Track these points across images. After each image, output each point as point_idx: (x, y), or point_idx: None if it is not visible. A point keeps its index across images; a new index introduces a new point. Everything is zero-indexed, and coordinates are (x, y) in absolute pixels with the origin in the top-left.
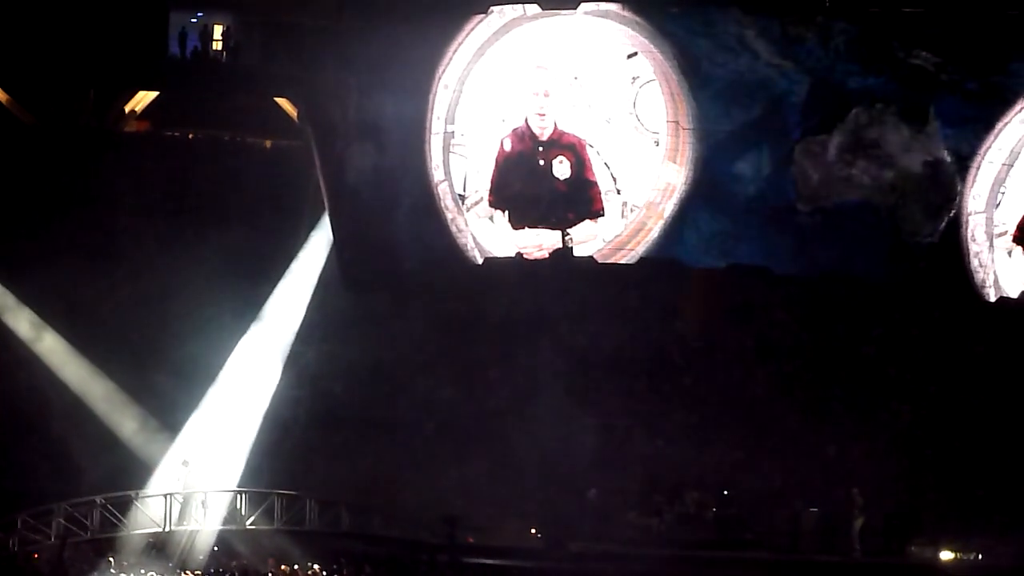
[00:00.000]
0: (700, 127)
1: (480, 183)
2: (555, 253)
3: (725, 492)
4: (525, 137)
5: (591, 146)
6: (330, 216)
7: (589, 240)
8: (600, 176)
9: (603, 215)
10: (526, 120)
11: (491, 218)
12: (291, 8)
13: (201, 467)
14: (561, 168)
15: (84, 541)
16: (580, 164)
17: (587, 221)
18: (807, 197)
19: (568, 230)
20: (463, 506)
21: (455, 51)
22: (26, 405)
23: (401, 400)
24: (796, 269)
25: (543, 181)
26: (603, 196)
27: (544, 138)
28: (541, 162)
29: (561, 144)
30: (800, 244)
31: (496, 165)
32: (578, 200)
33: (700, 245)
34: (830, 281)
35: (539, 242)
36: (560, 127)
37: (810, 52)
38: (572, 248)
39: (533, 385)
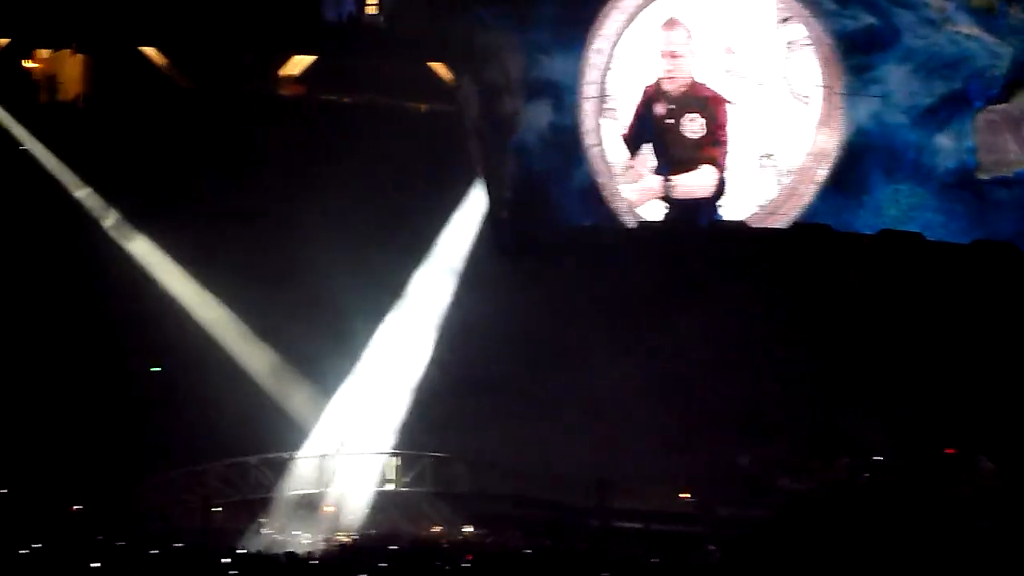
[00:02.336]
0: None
1: (633, 148)
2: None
3: (879, 458)
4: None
5: (741, 111)
6: (488, 178)
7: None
8: (745, 140)
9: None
10: (658, 80)
11: (644, 182)
12: None
13: (354, 430)
14: (692, 126)
15: (237, 501)
16: (713, 123)
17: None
18: (987, 166)
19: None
20: (613, 470)
21: (607, 15)
22: (185, 369)
23: (553, 366)
24: (971, 238)
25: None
26: (749, 160)
27: (675, 95)
28: (670, 120)
29: (695, 103)
30: (979, 214)
31: (631, 124)
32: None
33: (864, 211)
34: (987, 250)
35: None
36: (704, 91)
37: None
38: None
39: (684, 350)
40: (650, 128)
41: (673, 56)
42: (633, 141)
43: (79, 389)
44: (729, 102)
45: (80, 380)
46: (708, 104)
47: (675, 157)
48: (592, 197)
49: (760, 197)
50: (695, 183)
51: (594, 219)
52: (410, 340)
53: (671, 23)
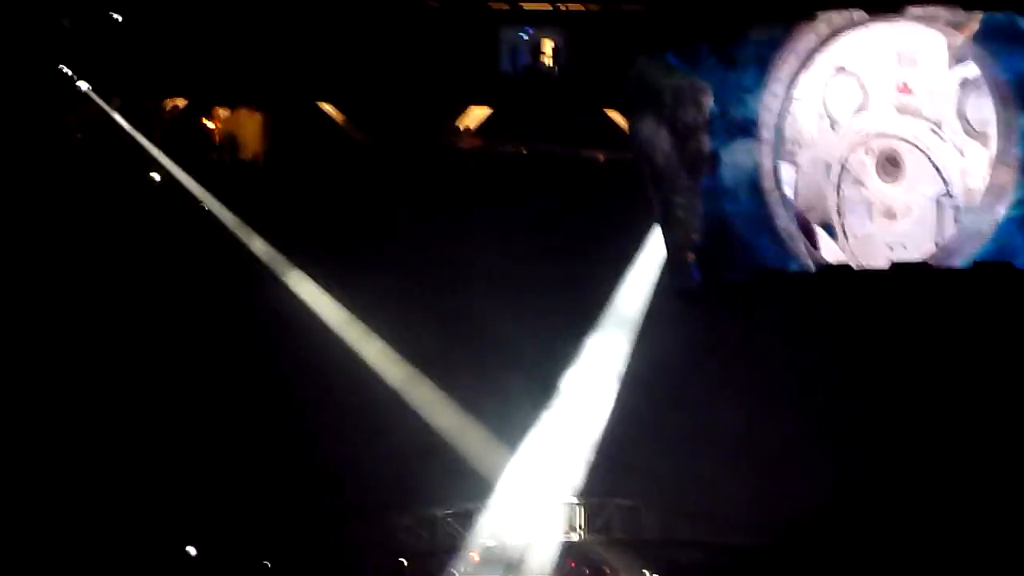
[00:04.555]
0: None
1: (810, 190)
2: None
3: None
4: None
5: (918, 151)
6: (673, 222)
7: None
8: (923, 179)
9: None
10: (833, 123)
11: (824, 225)
12: (622, 21)
13: (539, 479)
14: (868, 169)
15: (425, 553)
16: (891, 164)
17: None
18: None
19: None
20: (786, 512)
21: (784, 60)
22: (366, 420)
23: (731, 410)
24: None
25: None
26: (928, 199)
27: (852, 138)
28: (847, 163)
29: (872, 146)
30: None
31: (807, 168)
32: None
33: None
34: None
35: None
36: (880, 133)
37: None
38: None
39: (865, 393)
40: (826, 172)
41: (847, 99)
42: (810, 184)
43: (253, 442)
44: (907, 142)
45: (253, 432)
46: (885, 146)
47: (852, 199)
48: (785, 239)
49: (940, 236)
50: (874, 226)
51: (786, 262)
52: (592, 388)
53: (842, 70)
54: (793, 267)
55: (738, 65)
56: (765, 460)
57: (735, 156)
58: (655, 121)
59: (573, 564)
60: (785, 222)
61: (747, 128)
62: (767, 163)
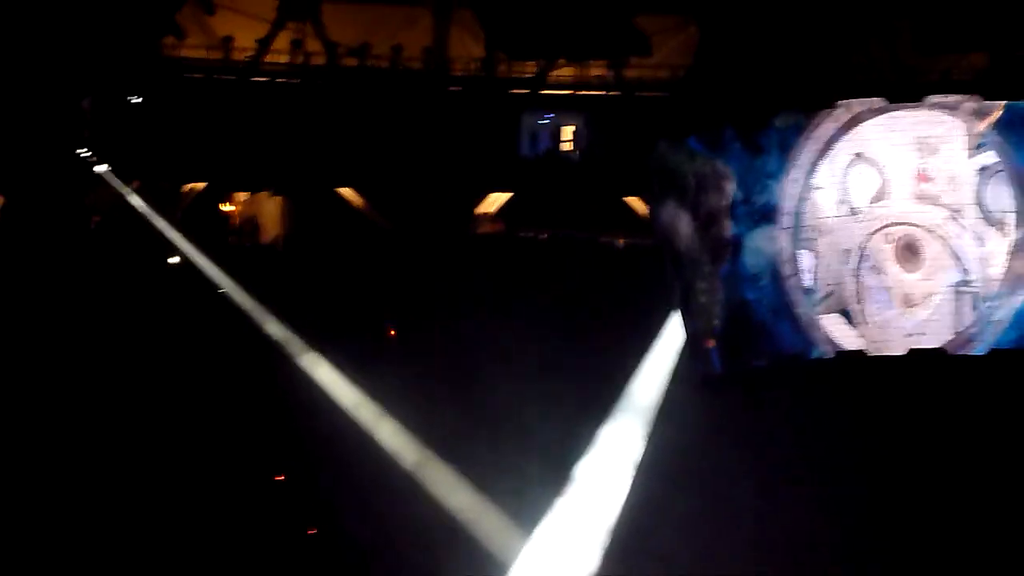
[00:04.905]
0: None
1: (829, 277)
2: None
3: None
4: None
5: (937, 239)
6: (693, 308)
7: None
8: (942, 267)
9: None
10: (852, 210)
11: (842, 312)
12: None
13: (555, 563)
14: (886, 256)
15: None
16: (910, 252)
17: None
18: None
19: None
20: None
21: (803, 147)
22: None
23: (748, 496)
24: None
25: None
26: (946, 287)
27: (877, 229)
28: (864, 251)
29: (896, 236)
30: None
31: (826, 254)
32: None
33: None
34: None
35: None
36: (899, 220)
37: None
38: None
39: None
40: (844, 259)
41: (866, 186)
42: (828, 271)
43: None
44: (925, 229)
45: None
46: (904, 233)
47: (871, 286)
48: (786, 327)
49: (958, 324)
50: (892, 313)
51: (807, 348)
52: (608, 473)
53: (860, 157)
54: (814, 354)
55: (763, 151)
56: (782, 547)
57: (757, 242)
58: (677, 206)
59: None
60: (805, 309)
61: (769, 214)
62: (787, 250)
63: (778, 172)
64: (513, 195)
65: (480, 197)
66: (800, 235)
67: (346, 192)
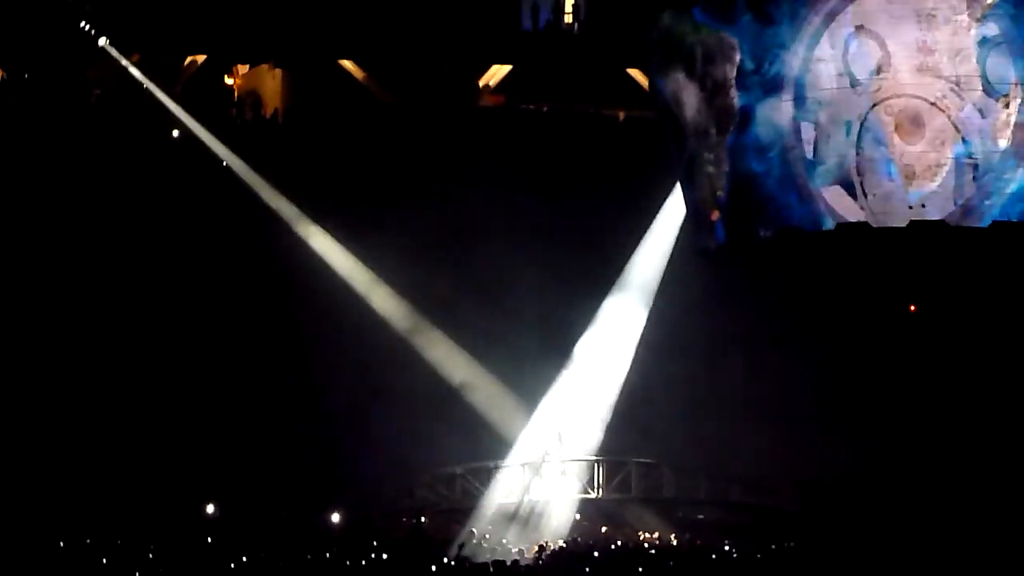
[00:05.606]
0: None
1: (831, 149)
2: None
3: None
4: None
5: (938, 111)
6: (698, 180)
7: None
8: (943, 139)
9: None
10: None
11: (844, 184)
12: None
13: (558, 438)
14: (886, 129)
15: (444, 511)
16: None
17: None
18: None
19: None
20: (819, 472)
21: (807, 20)
22: (384, 378)
23: (754, 370)
24: None
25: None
26: (947, 159)
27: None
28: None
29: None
30: None
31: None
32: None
33: None
34: None
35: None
36: (901, 92)
37: None
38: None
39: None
40: (846, 131)
41: (867, 58)
42: (830, 143)
43: (272, 397)
44: (927, 102)
45: (272, 388)
46: (906, 106)
47: (872, 158)
48: (789, 199)
49: (960, 196)
50: (894, 185)
51: (814, 219)
52: (614, 346)
53: (862, 30)
54: (818, 226)
55: (774, 21)
56: (781, 419)
57: (769, 113)
58: (684, 77)
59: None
60: (809, 181)
61: (779, 85)
62: (792, 122)
63: (788, 42)
64: (514, 68)
65: (481, 70)
66: (802, 108)
67: (347, 65)
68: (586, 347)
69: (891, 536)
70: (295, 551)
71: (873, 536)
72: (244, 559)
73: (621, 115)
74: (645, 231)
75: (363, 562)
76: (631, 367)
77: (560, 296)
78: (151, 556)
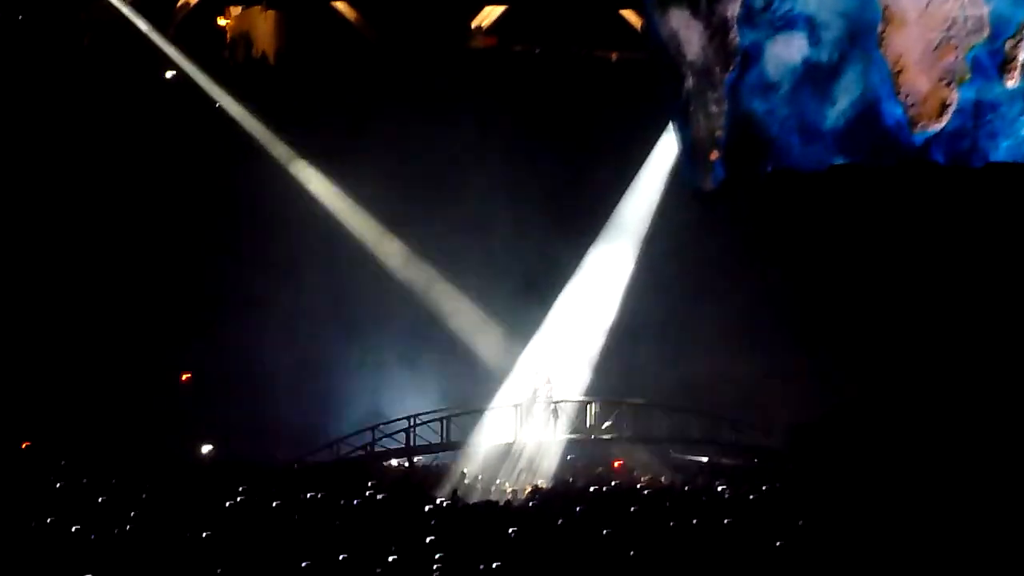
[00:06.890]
0: None
1: (836, 89)
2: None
3: None
4: None
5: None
6: (695, 118)
7: None
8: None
9: None
10: None
11: (847, 124)
12: None
13: (551, 377)
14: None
15: (435, 452)
16: None
17: None
18: None
19: None
20: (809, 415)
21: None
22: (374, 319)
23: (752, 309)
24: None
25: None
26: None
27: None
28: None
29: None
30: None
31: None
32: None
33: None
34: None
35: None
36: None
37: None
38: None
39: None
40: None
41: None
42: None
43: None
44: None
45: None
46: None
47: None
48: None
49: (965, 137)
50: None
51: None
52: (605, 284)
53: None
54: (822, 166)
55: None
56: (773, 360)
57: (778, 50)
58: (688, 15)
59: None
60: (811, 120)
61: (792, 22)
62: (800, 61)
63: None
64: (507, 8)
65: (474, 10)
66: (814, 45)
67: (340, 6)
68: (574, 288)
69: (880, 474)
70: (288, 493)
71: (862, 475)
72: (238, 500)
73: (614, 56)
74: (636, 172)
75: (356, 502)
76: (622, 304)
77: (549, 237)
78: (145, 497)
